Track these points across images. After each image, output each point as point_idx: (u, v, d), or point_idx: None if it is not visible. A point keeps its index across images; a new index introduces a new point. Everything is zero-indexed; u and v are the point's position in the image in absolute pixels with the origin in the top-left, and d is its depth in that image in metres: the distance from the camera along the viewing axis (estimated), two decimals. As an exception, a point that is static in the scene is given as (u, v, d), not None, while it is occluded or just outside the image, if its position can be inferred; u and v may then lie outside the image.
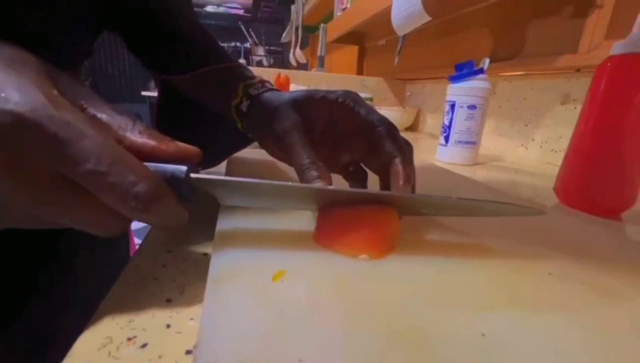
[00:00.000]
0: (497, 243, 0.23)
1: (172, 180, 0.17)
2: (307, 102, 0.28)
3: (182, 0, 0.39)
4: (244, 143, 0.42)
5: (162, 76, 0.39)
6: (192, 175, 0.18)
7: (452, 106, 0.60)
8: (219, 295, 0.16)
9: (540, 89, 0.68)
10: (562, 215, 0.36)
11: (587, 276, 0.19)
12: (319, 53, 1.54)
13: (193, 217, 0.20)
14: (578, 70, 0.60)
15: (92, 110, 0.18)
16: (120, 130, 0.18)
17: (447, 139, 0.61)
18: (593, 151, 0.37)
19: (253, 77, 0.33)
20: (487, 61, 0.59)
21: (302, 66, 2.15)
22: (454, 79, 0.60)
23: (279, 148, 0.27)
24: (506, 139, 0.76)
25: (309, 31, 2.24)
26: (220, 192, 0.20)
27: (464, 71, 0.59)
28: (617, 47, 0.35)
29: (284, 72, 1.01)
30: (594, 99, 0.37)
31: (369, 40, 1.48)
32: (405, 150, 0.25)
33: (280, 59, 3.54)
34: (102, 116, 0.18)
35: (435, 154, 0.65)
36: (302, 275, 0.17)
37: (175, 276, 0.21)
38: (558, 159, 0.64)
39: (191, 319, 0.17)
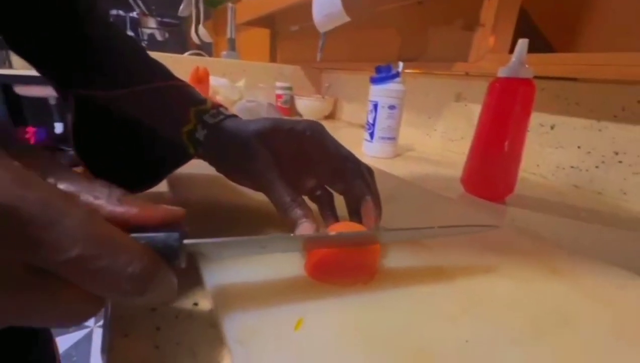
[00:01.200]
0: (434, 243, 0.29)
1: (164, 250, 0.16)
2: (275, 135, 0.28)
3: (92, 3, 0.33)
4: (188, 157, 0.40)
5: (76, 90, 0.33)
6: (186, 241, 0.17)
7: (375, 106, 0.66)
8: (250, 357, 0.17)
9: (439, 87, 0.80)
10: (468, 202, 0.46)
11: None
12: (228, 35, 1.44)
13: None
14: (467, 74, 0.73)
15: (59, 180, 0.15)
16: (95, 199, 0.16)
17: (372, 135, 0.68)
18: (486, 150, 0.48)
19: (203, 100, 0.31)
20: (401, 65, 0.66)
21: (206, 46, 1.97)
22: (376, 81, 0.66)
23: (252, 183, 0.28)
24: (414, 129, 0.88)
25: (211, 5, 2.05)
26: (213, 252, 0.20)
27: (383, 74, 0.65)
28: (502, 71, 0.45)
29: (201, 63, 0.93)
30: (487, 110, 0.47)
31: (281, 24, 1.45)
32: (373, 189, 0.28)
33: (177, 35, 3.15)
34: (71, 186, 0.15)
35: (362, 148, 0.71)
36: (318, 317, 0.19)
37: (177, 337, 0.20)
38: (455, 147, 0.79)
39: None
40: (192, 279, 0.25)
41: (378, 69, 0.66)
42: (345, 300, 0.21)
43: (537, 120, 0.61)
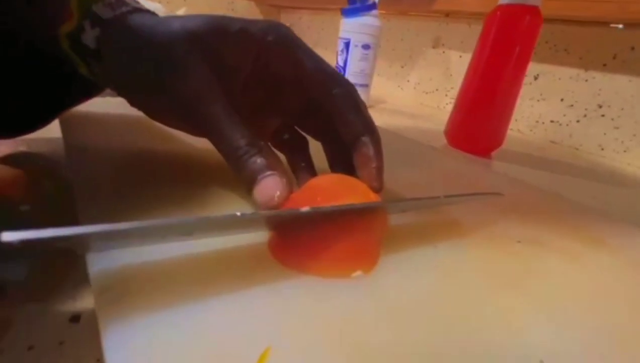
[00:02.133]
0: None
1: None
2: (217, 41, 0.17)
3: None
4: (87, 92, 0.27)
5: None
6: (6, 237, 0.08)
7: (347, 45, 0.56)
8: None
9: (415, 31, 0.71)
10: (454, 154, 0.40)
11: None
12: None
13: None
14: (447, 15, 0.65)
15: None
16: None
17: (342, 81, 0.58)
18: (477, 97, 0.41)
19: None
20: (378, -6, 0.56)
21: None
22: (348, 13, 0.55)
23: (183, 119, 0.18)
24: (385, 79, 0.80)
25: None
26: (80, 247, 0.11)
27: (358, 4, 0.54)
28: (505, -4, 0.37)
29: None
30: (483, 47, 0.39)
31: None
32: (372, 127, 0.19)
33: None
34: None
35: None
36: (296, 341, 0.11)
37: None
38: (429, 100, 0.73)
39: None
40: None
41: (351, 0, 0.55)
42: (340, 305, 0.13)
43: (520, 69, 0.56)
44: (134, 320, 0.10)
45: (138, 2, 0.20)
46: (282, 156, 0.21)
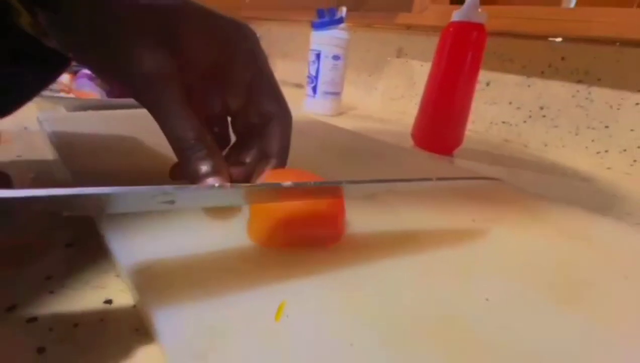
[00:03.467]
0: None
1: None
2: (186, 32, 0.18)
3: None
4: (60, 66, 0.23)
5: None
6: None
7: (318, 56, 0.59)
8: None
9: (380, 42, 0.77)
10: (420, 154, 0.44)
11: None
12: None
13: None
14: (408, 28, 0.70)
15: None
16: None
17: (314, 90, 0.62)
18: (437, 103, 0.46)
19: None
20: (344, 9, 0.60)
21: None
22: (318, 26, 0.59)
23: (135, 94, 0.17)
24: (354, 87, 0.85)
25: None
26: (74, 208, 0.12)
27: (326, 18, 0.58)
28: (456, 15, 0.42)
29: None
30: (440, 57, 0.44)
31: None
32: (286, 156, 0.21)
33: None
34: None
35: (302, 106, 0.65)
36: (298, 300, 0.14)
37: (76, 359, 0.12)
38: (396, 106, 0.78)
39: None
40: (96, 261, 0.17)
41: (320, 13, 0.59)
42: (317, 274, 0.16)
43: (474, 77, 0.62)
44: (168, 294, 0.13)
45: None
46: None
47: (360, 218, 0.20)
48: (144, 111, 0.18)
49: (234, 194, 0.15)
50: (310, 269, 0.16)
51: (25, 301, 0.15)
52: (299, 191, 0.15)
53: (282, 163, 0.21)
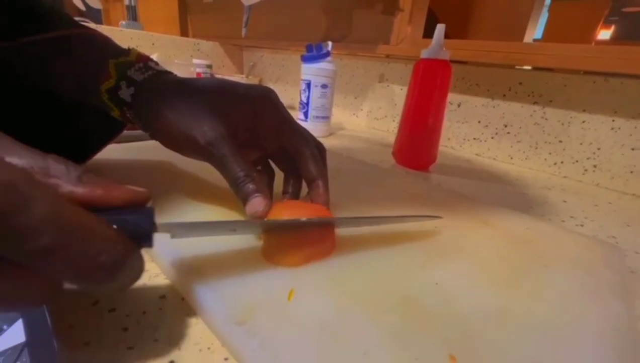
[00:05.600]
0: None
1: (135, 232, 0.15)
2: (225, 100, 0.25)
3: None
4: (119, 128, 0.34)
5: None
6: (160, 223, 0.16)
7: (308, 85, 0.66)
8: (254, 333, 0.16)
9: (363, 69, 0.85)
10: (400, 172, 0.51)
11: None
12: (126, 1, 1.24)
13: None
14: (388, 56, 0.79)
15: (4, 154, 0.13)
16: (51, 178, 0.14)
17: (306, 115, 0.68)
18: (413, 125, 0.53)
19: (125, 51, 0.26)
20: (330, 44, 0.68)
21: (94, 13, 1.66)
22: (307, 59, 0.66)
23: (198, 154, 0.24)
24: (342, 109, 0.92)
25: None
26: (182, 233, 0.19)
27: (314, 52, 0.66)
28: (424, 53, 0.50)
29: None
30: (413, 88, 0.52)
31: (191, -6, 1.31)
32: (324, 173, 0.27)
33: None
34: (20, 160, 0.13)
35: (296, 128, 0.71)
36: (304, 286, 0.20)
37: (152, 334, 0.18)
38: (380, 125, 0.85)
39: (225, 359, 0.17)
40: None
41: (309, 47, 0.66)
42: (317, 271, 0.22)
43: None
44: (208, 283, 0.19)
45: (158, 65, 0.27)
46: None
47: (346, 230, 0.26)
48: (150, 143, 0.24)
49: (254, 228, 0.22)
50: (309, 268, 0.22)
51: (102, 298, 0.20)
52: (299, 224, 0.22)
53: (324, 181, 0.26)
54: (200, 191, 0.31)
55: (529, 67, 0.61)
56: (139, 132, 0.27)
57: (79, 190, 0.14)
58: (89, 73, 0.25)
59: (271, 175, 0.30)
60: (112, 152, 0.39)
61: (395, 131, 0.56)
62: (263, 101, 0.27)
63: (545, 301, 0.22)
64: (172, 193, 0.31)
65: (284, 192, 0.29)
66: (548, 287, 0.23)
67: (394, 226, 0.28)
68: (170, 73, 0.27)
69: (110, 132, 0.34)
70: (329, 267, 0.22)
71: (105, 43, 0.27)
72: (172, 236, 0.18)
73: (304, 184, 0.28)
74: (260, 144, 0.28)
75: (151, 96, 0.25)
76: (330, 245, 0.23)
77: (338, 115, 0.93)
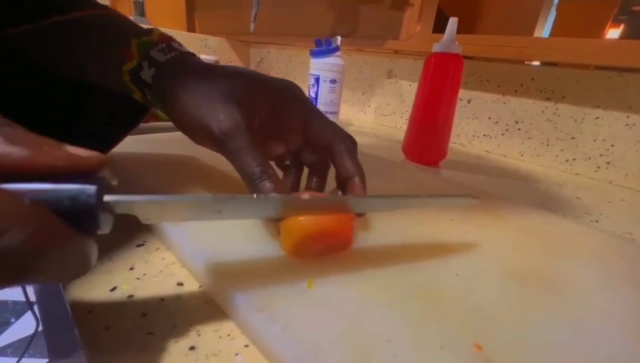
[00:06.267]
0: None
1: (74, 210, 0.11)
2: (248, 91, 0.24)
3: None
4: (142, 114, 0.33)
5: None
6: (108, 198, 0.12)
7: (317, 80, 0.66)
8: (275, 318, 0.16)
9: (371, 64, 0.84)
10: (410, 167, 0.51)
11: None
12: (133, -3, 1.24)
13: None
14: (396, 52, 0.78)
15: None
16: None
17: (314, 110, 0.68)
18: (424, 120, 0.53)
19: (147, 31, 0.26)
20: (339, 38, 0.67)
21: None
22: (316, 54, 0.66)
23: (214, 145, 0.23)
24: (349, 105, 0.92)
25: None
26: (151, 214, 0.15)
27: (323, 47, 0.65)
28: (436, 47, 0.49)
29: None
30: (424, 83, 0.51)
31: (198, -10, 1.31)
32: (360, 169, 0.25)
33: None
34: None
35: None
36: (324, 276, 0.19)
37: (171, 320, 0.18)
38: (388, 121, 0.85)
39: (246, 346, 0.16)
40: (164, 257, 0.23)
41: (318, 42, 0.66)
42: (336, 262, 0.21)
43: (456, 95, 0.70)
44: (228, 273, 0.18)
45: (182, 46, 0.26)
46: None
47: (363, 223, 0.26)
48: (174, 135, 0.24)
49: (261, 205, 0.19)
50: (328, 260, 0.21)
51: (120, 285, 0.20)
52: (316, 204, 0.20)
53: (362, 178, 0.25)
54: (225, 191, 0.31)
55: (540, 63, 0.60)
56: (162, 123, 0.26)
57: None
58: (111, 54, 0.24)
59: (299, 170, 0.29)
60: (132, 144, 0.39)
61: (404, 127, 0.56)
62: (285, 93, 0.26)
63: (565, 293, 0.21)
64: (188, 191, 0.31)
65: (308, 187, 0.28)
66: (567, 279, 0.23)
67: (411, 221, 0.28)
68: (194, 55, 0.26)
69: (133, 119, 0.33)
70: (348, 258, 0.22)
71: (127, 23, 0.26)
72: (143, 220, 0.15)
73: (327, 181, 0.28)
74: (285, 138, 0.27)
75: (171, 79, 0.24)
76: (349, 237, 0.23)
77: (346, 111, 0.93)
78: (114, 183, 0.13)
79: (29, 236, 0.10)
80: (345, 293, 0.18)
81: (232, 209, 0.17)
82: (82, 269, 0.12)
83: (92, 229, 0.12)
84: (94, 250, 0.12)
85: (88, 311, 0.18)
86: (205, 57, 1.01)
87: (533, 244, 0.27)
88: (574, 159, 0.58)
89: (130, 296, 0.19)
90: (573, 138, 0.58)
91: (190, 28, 1.40)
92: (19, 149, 0.11)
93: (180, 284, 0.21)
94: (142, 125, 0.36)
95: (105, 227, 0.12)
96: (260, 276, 0.19)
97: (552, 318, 0.19)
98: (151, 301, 0.19)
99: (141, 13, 1.25)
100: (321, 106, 0.67)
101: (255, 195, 0.17)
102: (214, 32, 1.19)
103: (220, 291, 0.19)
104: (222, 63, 1.09)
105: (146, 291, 0.20)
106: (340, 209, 0.21)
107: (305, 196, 0.20)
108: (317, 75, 0.66)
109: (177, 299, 0.20)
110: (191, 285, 0.21)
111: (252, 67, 1.21)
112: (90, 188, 0.11)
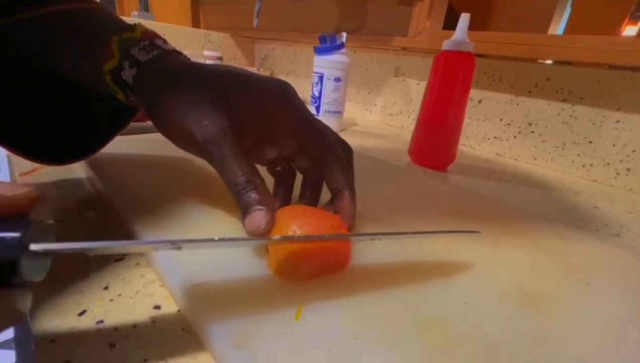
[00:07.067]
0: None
1: None
2: (236, 92, 0.22)
3: None
4: (131, 114, 0.31)
5: None
6: (35, 247, 0.10)
7: (321, 78, 0.64)
8: (256, 359, 0.14)
9: (378, 62, 0.81)
10: (416, 171, 0.48)
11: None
12: (138, -8, 1.22)
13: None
14: (404, 49, 0.75)
15: None
16: None
17: (318, 109, 0.66)
18: (432, 121, 0.50)
19: (130, 26, 0.23)
20: (345, 35, 0.65)
21: (104, 2, 1.66)
22: (320, 51, 0.63)
23: (198, 151, 0.21)
24: (354, 104, 0.89)
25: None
26: (89, 252, 0.14)
27: (328, 44, 0.63)
28: (446, 44, 0.46)
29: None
30: (433, 82, 0.48)
31: (203, -16, 1.29)
32: (351, 181, 0.24)
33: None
34: None
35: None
36: (314, 304, 0.17)
37: (141, 352, 0.16)
38: (394, 121, 0.82)
39: None
40: (143, 275, 0.21)
41: (322, 39, 0.63)
42: (329, 287, 0.19)
43: (466, 95, 0.66)
44: (209, 300, 0.16)
45: (167, 43, 0.24)
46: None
47: (362, 243, 0.24)
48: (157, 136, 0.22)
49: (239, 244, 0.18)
50: (320, 283, 0.19)
51: (91, 308, 0.18)
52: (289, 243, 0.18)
53: (351, 192, 0.23)
54: (219, 193, 0.29)
55: (556, 62, 0.57)
56: (149, 123, 0.24)
57: None
58: (91, 52, 0.23)
59: (291, 176, 0.26)
60: (125, 145, 0.38)
61: (411, 128, 0.53)
62: (277, 96, 0.23)
63: (585, 324, 0.19)
64: (178, 196, 0.29)
65: (301, 197, 0.26)
66: (588, 307, 0.20)
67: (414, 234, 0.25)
68: (179, 53, 0.24)
69: (120, 121, 0.31)
70: (343, 282, 0.19)
71: (109, 18, 0.24)
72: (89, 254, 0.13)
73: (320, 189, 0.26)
74: (277, 143, 0.25)
75: (153, 80, 0.22)
76: (345, 258, 0.21)
77: (351, 110, 0.90)
78: (50, 221, 0.11)
79: None
80: (337, 326, 0.16)
81: (191, 246, 0.16)
82: (7, 323, 0.10)
83: (18, 280, 0.10)
84: (21, 302, 0.10)
85: (50, 340, 0.16)
86: (208, 53, 0.99)
87: (551, 264, 0.25)
88: (591, 165, 0.55)
89: (100, 321, 0.18)
90: (591, 142, 0.55)
91: (195, 23, 1.38)
92: None
93: (157, 307, 0.19)
94: (135, 124, 0.34)
95: (37, 275, 0.11)
96: (243, 301, 0.17)
97: (569, 358, 0.16)
98: (122, 328, 0.17)
99: (146, 8, 1.23)
100: (325, 106, 0.65)
101: (216, 237, 0.16)
102: (218, 27, 1.17)
103: (197, 319, 0.17)
104: (225, 59, 1.07)
105: (118, 316, 0.18)
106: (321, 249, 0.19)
107: (276, 236, 0.18)
108: (320, 73, 0.63)
109: (152, 325, 0.18)
110: (169, 308, 0.19)
111: (257, 63, 1.19)
112: (13, 236, 0.10)
